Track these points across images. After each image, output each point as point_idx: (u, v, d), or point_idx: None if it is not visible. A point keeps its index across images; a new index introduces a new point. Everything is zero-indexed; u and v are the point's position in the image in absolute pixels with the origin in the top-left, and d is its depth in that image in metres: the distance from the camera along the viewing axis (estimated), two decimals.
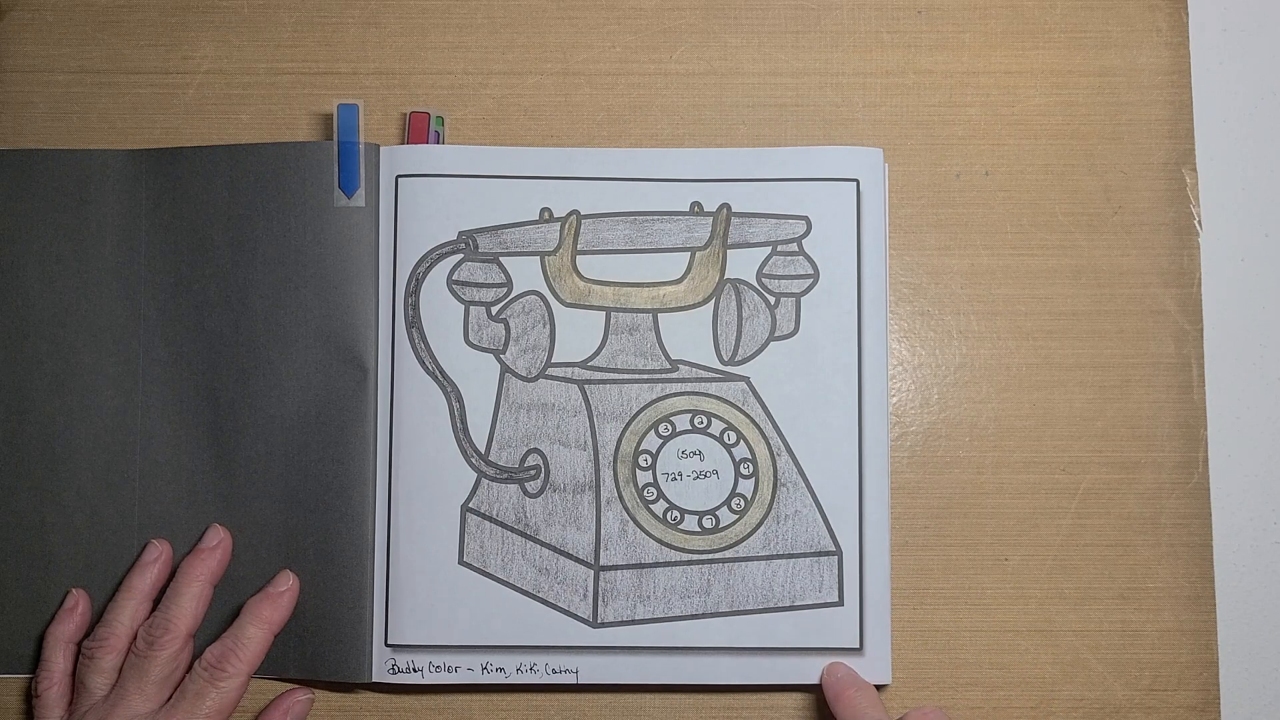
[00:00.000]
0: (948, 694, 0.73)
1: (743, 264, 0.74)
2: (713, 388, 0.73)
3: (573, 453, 0.72)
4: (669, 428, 0.72)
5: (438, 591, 0.72)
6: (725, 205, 0.74)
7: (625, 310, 0.73)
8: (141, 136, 0.76)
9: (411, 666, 0.71)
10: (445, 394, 0.73)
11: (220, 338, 0.73)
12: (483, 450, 0.73)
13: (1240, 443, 0.77)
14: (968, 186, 0.76)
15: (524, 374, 0.73)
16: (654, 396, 0.73)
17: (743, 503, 0.72)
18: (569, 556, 0.72)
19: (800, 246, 0.73)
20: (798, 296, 0.73)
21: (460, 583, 0.72)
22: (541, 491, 0.73)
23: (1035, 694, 0.73)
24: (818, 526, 0.72)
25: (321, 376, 0.72)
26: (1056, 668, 0.73)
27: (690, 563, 0.72)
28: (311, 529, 0.72)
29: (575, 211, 0.74)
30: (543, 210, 0.74)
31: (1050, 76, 0.77)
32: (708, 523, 0.72)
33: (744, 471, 0.72)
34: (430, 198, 0.73)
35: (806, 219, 0.73)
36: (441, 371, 0.73)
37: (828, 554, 0.72)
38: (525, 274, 0.74)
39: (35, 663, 0.72)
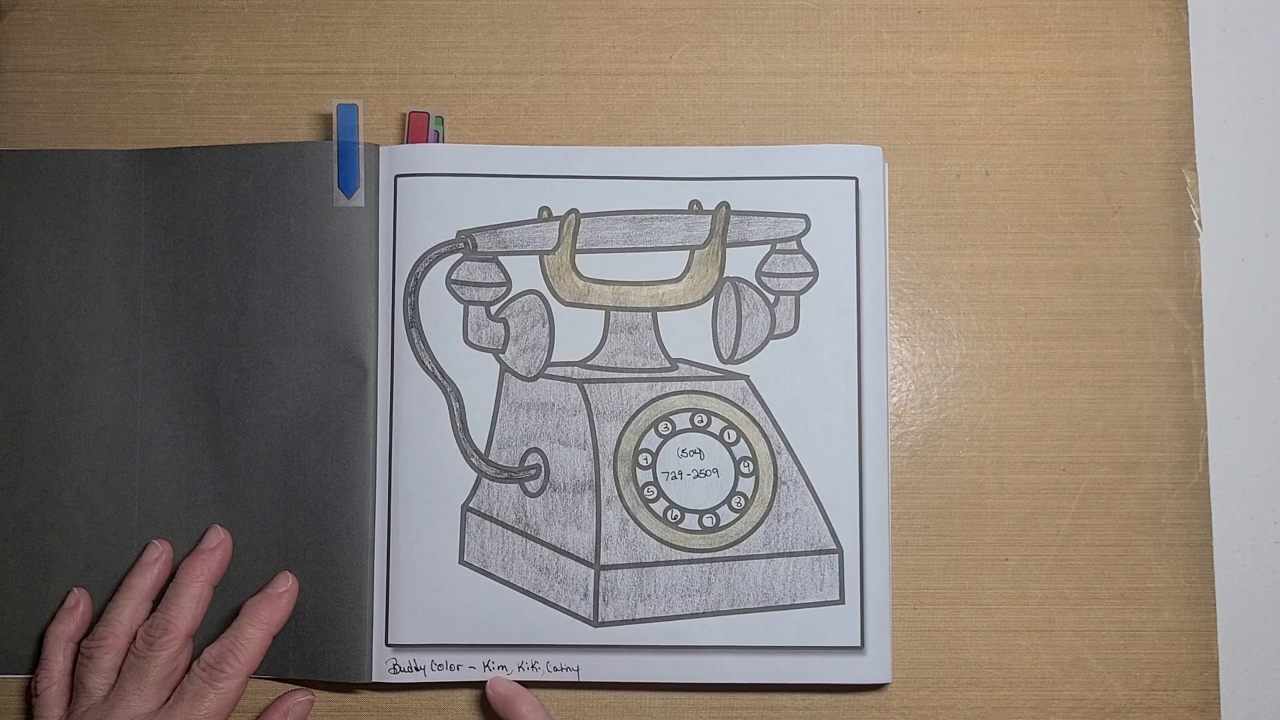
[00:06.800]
0: (948, 694, 0.73)
1: (742, 262, 0.74)
2: (712, 386, 0.73)
3: (573, 452, 0.72)
4: (669, 426, 0.72)
5: (438, 591, 0.72)
6: (724, 204, 0.74)
7: (624, 309, 0.73)
8: (141, 136, 0.76)
9: (413, 665, 0.71)
10: (445, 394, 0.73)
11: (220, 338, 0.73)
12: (483, 450, 0.73)
13: (1240, 443, 0.77)
14: (968, 186, 0.76)
15: (523, 373, 0.73)
16: (654, 395, 0.73)
17: (743, 501, 0.72)
18: (569, 556, 0.72)
19: (799, 245, 0.73)
20: (797, 295, 0.73)
21: (461, 582, 0.72)
22: (541, 491, 0.73)
23: (1035, 694, 0.73)
24: (818, 525, 0.72)
25: (321, 376, 0.72)
26: (1056, 668, 0.73)
27: (691, 561, 0.72)
28: (311, 529, 0.72)
29: (574, 210, 0.74)
30: (541, 209, 0.74)
31: (1050, 76, 0.77)
32: (708, 521, 0.72)
33: (744, 470, 0.72)
34: (429, 197, 0.73)
35: (805, 217, 0.73)
36: (441, 371, 0.73)
37: (828, 552, 0.72)
38: (524, 273, 0.74)
39: (35, 663, 0.72)
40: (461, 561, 0.72)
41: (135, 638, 0.69)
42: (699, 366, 0.73)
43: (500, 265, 0.74)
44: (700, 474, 0.73)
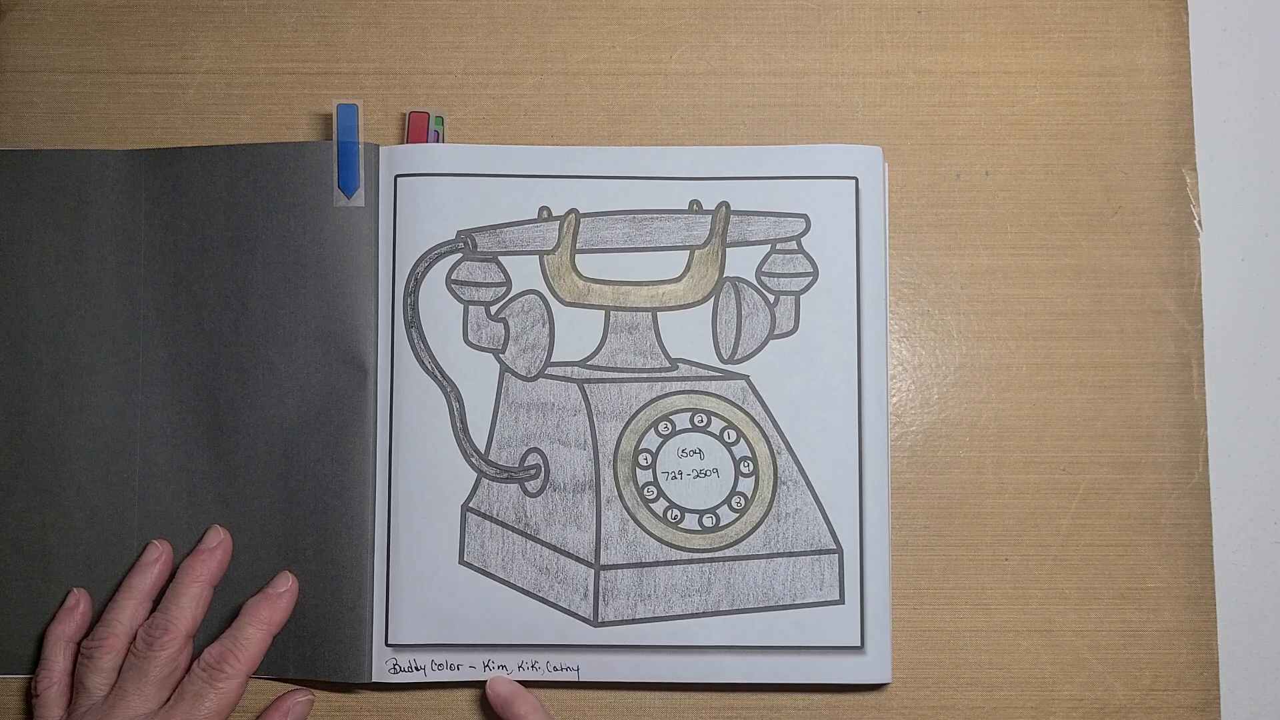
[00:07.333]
0: (948, 694, 0.73)
1: (742, 262, 0.74)
2: (712, 386, 0.73)
3: (573, 452, 0.72)
4: (669, 426, 0.72)
5: (438, 591, 0.72)
6: (724, 203, 0.74)
7: (624, 309, 0.73)
8: (141, 136, 0.76)
9: (414, 665, 0.71)
10: (445, 394, 0.73)
11: (220, 338, 0.73)
12: (483, 450, 0.73)
13: (1240, 443, 0.77)
14: (968, 186, 0.76)
15: (523, 373, 0.73)
16: (654, 395, 0.73)
17: (743, 501, 0.72)
18: (569, 556, 0.72)
19: (799, 244, 0.73)
20: (797, 295, 0.73)
21: (461, 583, 0.72)
22: (541, 491, 0.73)
23: (1035, 694, 0.73)
24: (818, 524, 0.72)
25: (321, 376, 0.72)
26: (1056, 668, 0.73)
27: (691, 561, 0.72)
28: (311, 529, 0.72)
29: (574, 210, 0.74)
30: (541, 209, 0.74)
31: (1050, 76, 0.77)
32: (708, 521, 0.72)
33: (744, 470, 0.72)
34: (429, 197, 0.73)
35: (805, 217, 0.73)
36: (441, 371, 0.73)
37: (828, 552, 0.72)
38: (524, 273, 0.74)
39: (35, 663, 0.72)
40: (461, 561, 0.72)
41: (135, 638, 0.69)
42: (699, 366, 0.73)
43: (500, 265, 0.74)
44: (700, 474, 0.73)
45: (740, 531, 0.72)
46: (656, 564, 0.72)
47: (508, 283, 0.73)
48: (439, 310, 0.73)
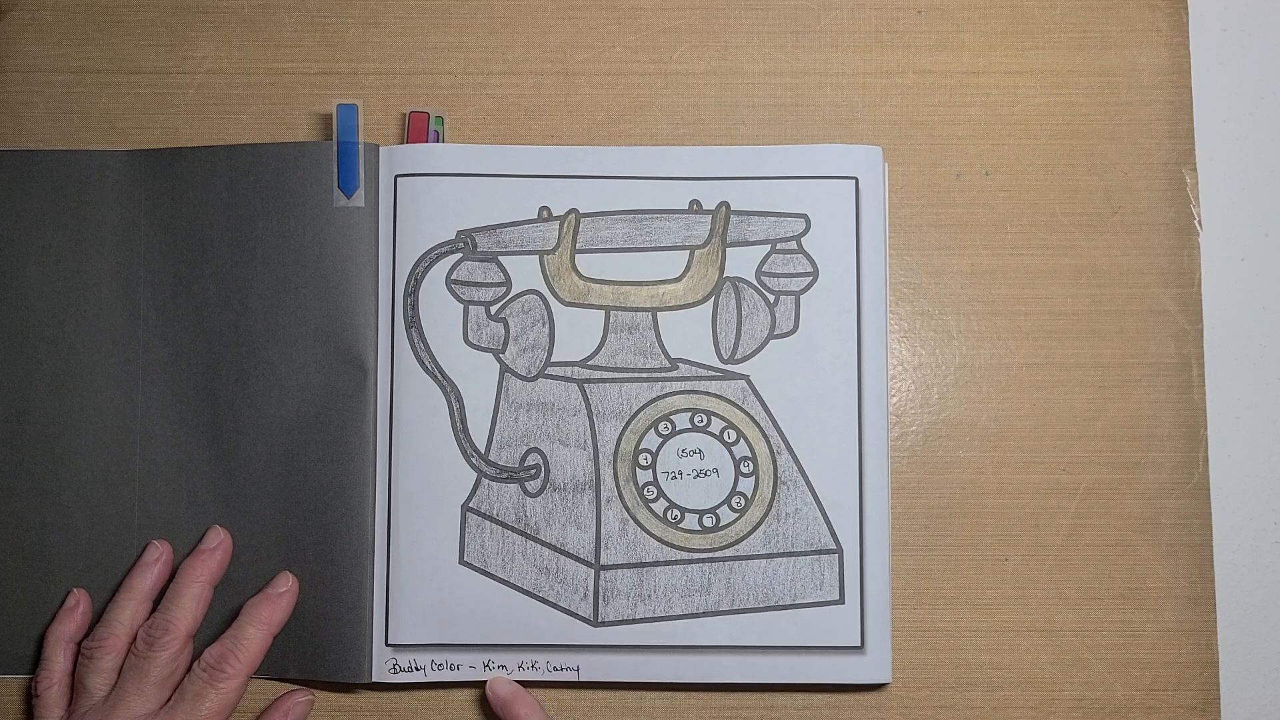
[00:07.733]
0: (948, 694, 0.73)
1: (742, 262, 0.74)
2: (712, 386, 0.73)
3: (573, 452, 0.72)
4: (669, 426, 0.72)
5: (438, 591, 0.72)
6: (724, 203, 0.74)
7: (624, 309, 0.73)
8: (141, 136, 0.76)
9: (414, 665, 0.71)
10: (445, 394, 0.73)
11: (220, 338, 0.73)
12: (483, 450, 0.73)
13: (1240, 443, 0.77)
14: (968, 186, 0.76)
15: (523, 373, 0.73)
16: (654, 395, 0.73)
17: (743, 501, 0.72)
18: (569, 556, 0.72)
19: (799, 244, 0.73)
20: (797, 295, 0.73)
21: (461, 583, 0.72)
22: (541, 491, 0.73)
23: (1035, 694, 0.73)
24: (818, 524, 0.72)
25: (321, 376, 0.72)
26: (1056, 668, 0.73)
27: (691, 561, 0.72)
28: (311, 529, 0.72)
29: (574, 210, 0.74)
30: (541, 209, 0.74)
31: (1050, 76, 0.77)
32: (708, 521, 0.72)
33: (744, 470, 0.72)
34: (429, 197, 0.73)
35: (805, 217, 0.73)
36: (441, 371, 0.73)
37: (828, 552, 0.72)
38: (524, 273, 0.74)
39: (35, 663, 0.72)
40: (461, 561, 0.72)
41: (135, 638, 0.69)
42: (699, 366, 0.73)
43: (500, 265, 0.74)
44: (700, 474, 0.72)
45: (740, 531, 0.72)
46: (656, 564, 0.72)
47: (508, 283, 0.73)
48: (439, 310, 0.73)
